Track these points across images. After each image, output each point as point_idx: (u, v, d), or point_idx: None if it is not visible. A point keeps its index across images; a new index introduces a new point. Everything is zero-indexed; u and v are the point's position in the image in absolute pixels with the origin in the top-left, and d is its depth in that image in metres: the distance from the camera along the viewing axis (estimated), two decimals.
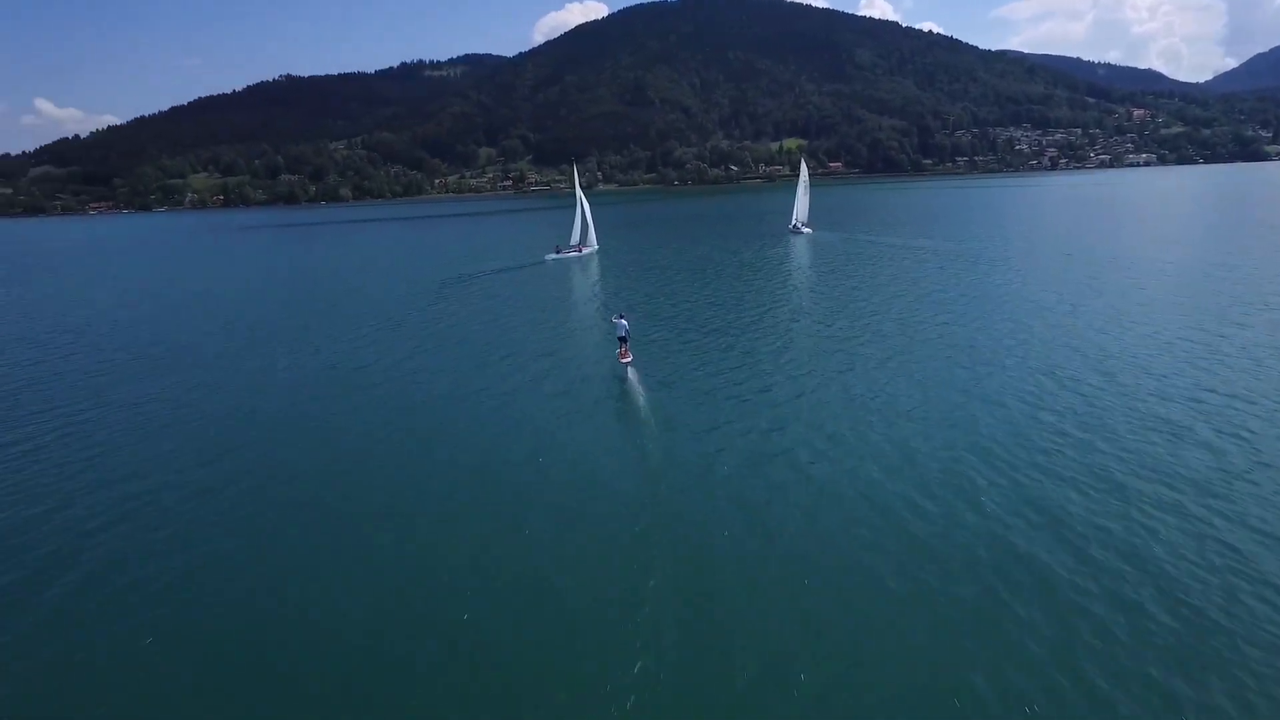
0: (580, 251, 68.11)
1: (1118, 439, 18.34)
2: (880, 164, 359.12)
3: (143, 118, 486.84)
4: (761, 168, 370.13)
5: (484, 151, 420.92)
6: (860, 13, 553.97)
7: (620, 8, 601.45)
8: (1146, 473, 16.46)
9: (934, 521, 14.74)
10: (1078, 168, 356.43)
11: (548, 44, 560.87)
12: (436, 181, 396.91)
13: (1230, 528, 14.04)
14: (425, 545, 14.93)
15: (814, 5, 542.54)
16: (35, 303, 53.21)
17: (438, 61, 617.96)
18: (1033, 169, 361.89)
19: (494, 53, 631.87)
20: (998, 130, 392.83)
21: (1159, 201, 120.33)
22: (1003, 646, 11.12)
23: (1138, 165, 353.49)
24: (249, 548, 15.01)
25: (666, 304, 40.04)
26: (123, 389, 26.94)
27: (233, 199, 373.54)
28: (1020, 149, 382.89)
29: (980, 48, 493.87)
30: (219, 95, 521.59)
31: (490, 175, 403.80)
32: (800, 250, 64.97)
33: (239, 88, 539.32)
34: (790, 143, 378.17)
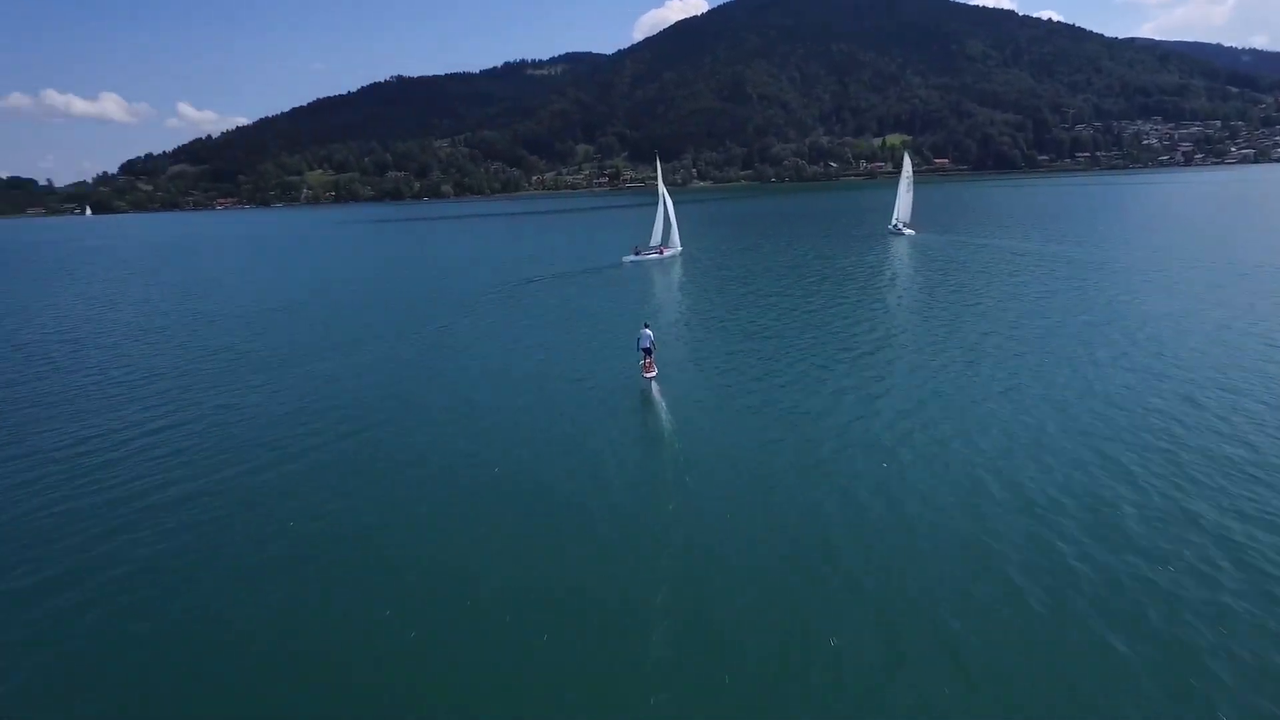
0: (661, 254, 63.74)
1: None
2: (990, 160, 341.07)
3: (266, 118, 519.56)
4: (862, 164, 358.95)
5: (581, 148, 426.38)
6: (972, 2, 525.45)
7: (720, 3, 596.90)
8: None
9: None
10: (1215, 163, 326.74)
11: (646, 41, 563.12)
12: (534, 178, 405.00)
13: None
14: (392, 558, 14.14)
15: None
16: (210, 287, 56.24)
17: (540, 60, 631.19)
18: (1162, 165, 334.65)
19: (594, 51, 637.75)
20: (1124, 124, 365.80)
21: None
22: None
23: None
24: (257, 554, 14.12)
25: (745, 318, 35.70)
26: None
27: (343, 195, 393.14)
28: (1149, 144, 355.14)
29: (1106, 35, 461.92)
30: (335, 96, 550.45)
31: (587, 172, 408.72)
32: (900, 254, 60.16)
33: (353, 89, 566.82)
34: (893, 138, 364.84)
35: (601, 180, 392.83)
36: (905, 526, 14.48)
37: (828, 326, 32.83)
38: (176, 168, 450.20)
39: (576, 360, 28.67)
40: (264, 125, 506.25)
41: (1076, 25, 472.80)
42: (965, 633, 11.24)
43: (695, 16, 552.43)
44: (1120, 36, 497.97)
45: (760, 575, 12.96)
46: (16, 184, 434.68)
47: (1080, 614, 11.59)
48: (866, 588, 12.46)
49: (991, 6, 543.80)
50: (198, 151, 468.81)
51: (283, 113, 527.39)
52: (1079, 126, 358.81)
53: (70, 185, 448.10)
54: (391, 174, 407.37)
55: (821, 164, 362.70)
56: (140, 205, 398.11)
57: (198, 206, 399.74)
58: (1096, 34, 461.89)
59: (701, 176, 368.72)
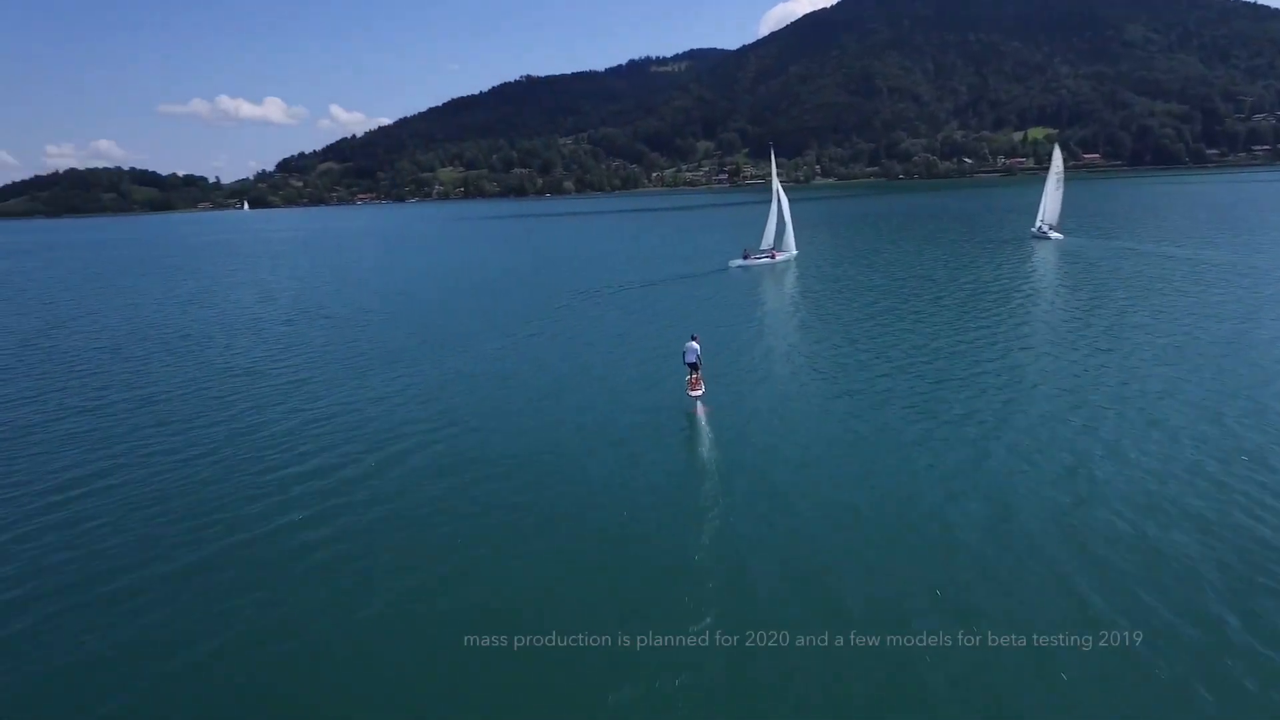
0: (773, 258, 58.25)
1: None
2: (1148, 155, 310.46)
3: (405, 118, 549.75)
4: (999, 160, 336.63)
5: (701, 145, 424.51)
6: None
7: None
8: None
9: None
10: None
11: (772, 35, 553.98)
12: (653, 175, 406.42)
13: None
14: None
15: None
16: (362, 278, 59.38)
17: (664, 58, 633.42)
18: None
19: (718, 47, 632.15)
20: None
21: None
22: None
23: None
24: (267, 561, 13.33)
25: (854, 338, 31.00)
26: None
27: (471, 191, 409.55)
28: None
29: None
30: (467, 96, 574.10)
31: (706, 169, 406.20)
32: (1047, 263, 53.52)
33: (484, 89, 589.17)
34: (1036, 132, 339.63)
35: (720, 177, 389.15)
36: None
37: (953, 356, 27.44)
38: (324, 165, 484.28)
39: (637, 373, 26.92)
40: (402, 125, 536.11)
41: (1259, 3, 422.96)
42: None
43: (824, 9, 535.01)
44: None
45: None
46: (191, 181, 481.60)
47: None
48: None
49: None
50: (343, 150, 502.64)
51: (419, 113, 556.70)
52: (1257, 117, 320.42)
53: (235, 182, 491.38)
54: (517, 171, 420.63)
55: (954, 160, 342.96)
56: (291, 200, 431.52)
57: (340, 201, 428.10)
58: None
59: (825, 173, 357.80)
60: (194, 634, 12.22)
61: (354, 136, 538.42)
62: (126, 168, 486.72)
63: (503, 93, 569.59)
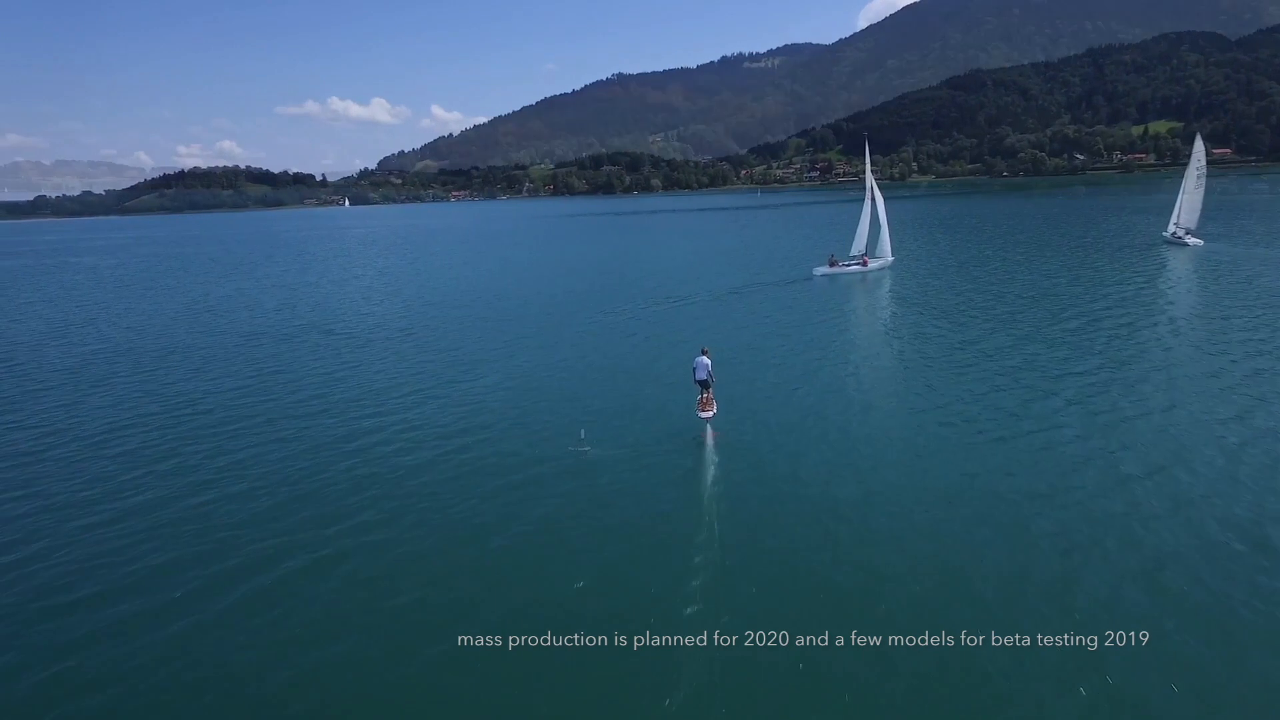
0: (865, 265, 52.36)
1: None
2: None
3: (499, 117, 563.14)
4: (1116, 156, 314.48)
5: (792, 141, 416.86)
6: None
7: None
8: None
9: None
10: None
11: (869, 28, 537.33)
12: (742, 172, 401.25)
13: None
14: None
15: None
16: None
17: (756, 53, 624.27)
18: None
19: (814, 41, 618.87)
20: None
21: None
22: None
23: None
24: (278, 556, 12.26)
25: (950, 368, 26.15)
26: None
27: (560, 188, 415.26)
28: None
29: None
30: (559, 95, 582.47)
31: (796, 165, 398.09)
32: (1184, 274, 46.32)
33: (578, 87, 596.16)
34: (1158, 125, 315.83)
35: (812, 174, 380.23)
36: None
37: (1067, 401, 21.92)
38: (422, 163, 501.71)
39: (670, 396, 23.98)
40: (497, 123, 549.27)
41: None
42: None
43: (925, 0, 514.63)
44: None
45: None
46: (299, 179, 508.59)
47: None
48: None
49: None
50: (439, 148, 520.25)
51: (513, 111, 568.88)
52: None
53: (340, 179, 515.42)
54: (605, 168, 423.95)
55: (1065, 156, 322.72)
56: (389, 197, 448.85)
57: (436, 199, 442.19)
58: None
59: (923, 170, 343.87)
60: (185, 633, 12.29)
61: (450, 135, 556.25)
62: (243, 166, 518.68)
63: (595, 90, 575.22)
